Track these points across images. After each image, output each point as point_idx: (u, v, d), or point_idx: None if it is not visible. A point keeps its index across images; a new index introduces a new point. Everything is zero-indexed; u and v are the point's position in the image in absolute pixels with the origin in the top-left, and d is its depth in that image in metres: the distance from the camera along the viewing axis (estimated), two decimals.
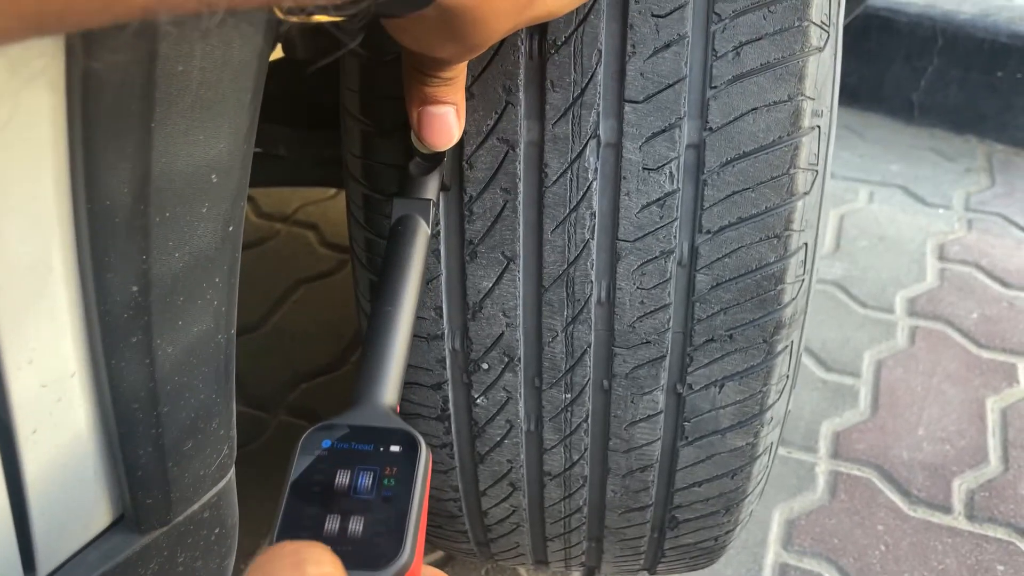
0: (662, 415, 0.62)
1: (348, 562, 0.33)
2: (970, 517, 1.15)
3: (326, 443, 0.38)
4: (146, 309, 0.40)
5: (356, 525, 0.36)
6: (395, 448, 0.38)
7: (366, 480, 0.37)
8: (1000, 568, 1.09)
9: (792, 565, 1.10)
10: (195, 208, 0.40)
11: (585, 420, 0.63)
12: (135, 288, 0.39)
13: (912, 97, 1.95)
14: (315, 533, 0.36)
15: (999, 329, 1.44)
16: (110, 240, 0.38)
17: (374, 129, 0.57)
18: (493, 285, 0.59)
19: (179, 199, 0.39)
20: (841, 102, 2.01)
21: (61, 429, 0.41)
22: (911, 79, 1.95)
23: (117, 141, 0.36)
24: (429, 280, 0.59)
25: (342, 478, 0.37)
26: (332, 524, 0.36)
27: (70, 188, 0.36)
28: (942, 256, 1.61)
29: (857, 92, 2.02)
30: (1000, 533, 1.13)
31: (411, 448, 0.39)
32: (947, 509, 1.16)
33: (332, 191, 1.76)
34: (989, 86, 1.88)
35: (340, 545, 0.34)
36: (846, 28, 1.50)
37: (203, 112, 0.38)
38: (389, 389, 0.43)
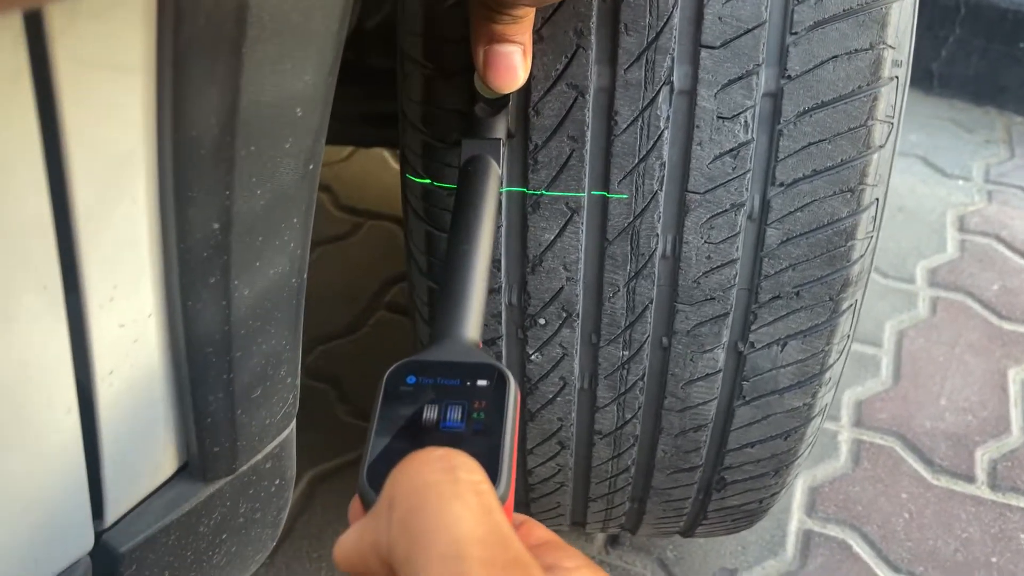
0: (721, 374, 0.61)
1: None
2: (993, 486, 1.15)
3: (411, 379, 0.38)
4: (225, 248, 0.39)
5: None
6: (482, 382, 0.37)
7: (455, 413, 0.36)
8: (1023, 537, 1.09)
9: (816, 531, 1.10)
10: (279, 143, 0.38)
11: (641, 378, 0.62)
12: (216, 225, 0.38)
13: (932, 67, 1.93)
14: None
15: (1020, 300, 1.44)
16: (194, 173, 0.36)
17: (437, 73, 0.55)
18: (555, 238, 0.57)
19: (264, 133, 0.37)
20: None
21: (136, 371, 0.40)
22: (932, 49, 1.92)
23: (208, 67, 0.34)
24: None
25: (430, 412, 0.36)
26: None
27: (157, 116, 0.34)
28: (962, 227, 1.60)
29: None
30: (1023, 502, 1.13)
31: (499, 382, 0.38)
32: (970, 478, 1.16)
33: (346, 152, 1.74)
34: (1011, 57, 1.86)
35: None
36: None
37: (293, 40, 0.36)
38: (471, 325, 0.42)
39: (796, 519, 1.11)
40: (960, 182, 1.72)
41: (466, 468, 0.29)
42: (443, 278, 0.45)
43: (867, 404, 1.27)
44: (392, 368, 0.38)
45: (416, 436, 0.36)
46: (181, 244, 0.38)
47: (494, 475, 0.34)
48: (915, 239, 1.57)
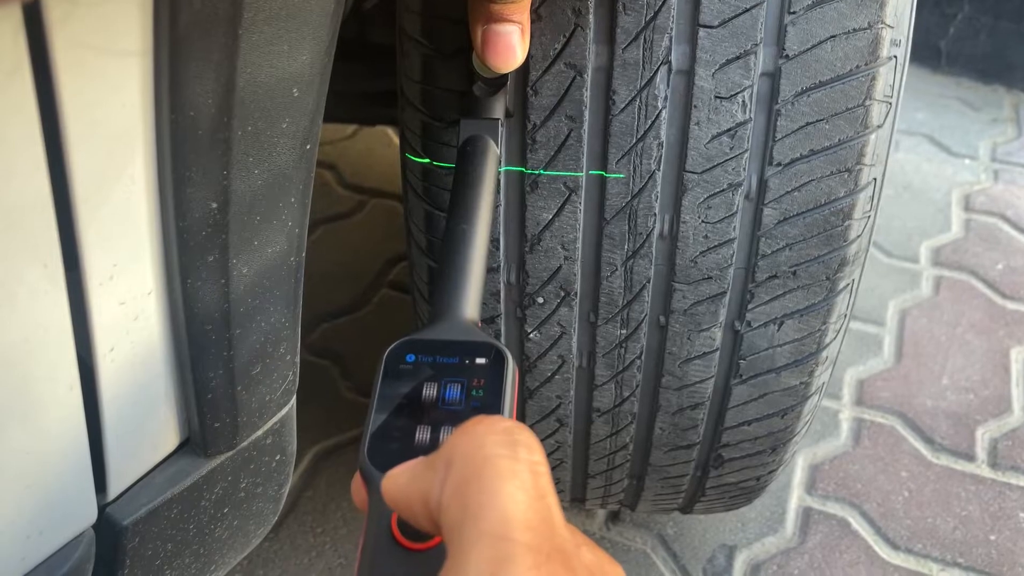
0: (718, 352, 0.61)
1: None
2: (993, 465, 1.16)
3: (410, 357, 0.38)
4: (224, 227, 0.39)
5: (447, 435, 0.35)
6: (481, 360, 0.38)
7: (454, 391, 0.37)
8: (1022, 515, 1.10)
9: (816, 509, 1.11)
10: (276, 123, 0.38)
11: (639, 356, 0.62)
12: (214, 205, 0.38)
13: (940, 45, 1.92)
14: (406, 444, 0.35)
15: None
16: (192, 153, 0.36)
17: (436, 53, 0.55)
18: (553, 217, 0.57)
19: (262, 113, 0.37)
20: None
21: (137, 348, 0.40)
22: (940, 26, 1.91)
23: (204, 47, 0.34)
24: None
25: (429, 390, 0.37)
26: (423, 435, 0.36)
27: (155, 97, 0.35)
28: (967, 207, 1.60)
29: None
30: (1023, 481, 1.14)
31: (497, 360, 0.38)
32: (970, 457, 1.17)
33: (350, 131, 1.74)
34: (1019, 35, 1.84)
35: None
36: None
37: (289, 20, 0.36)
38: (469, 304, 0.43)
39: (796, 496, 1.12)
40: (966, 161, 1.71)
41: (527, 447, 0.29)
42: (441, 257, 0.45)
43: (868, 383, 1.27)
44: (391, 347, 0.39)
45: (416, 414, 0.36)
46: (180, 223, 0.38)
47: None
48: (920, 218, 1.56)
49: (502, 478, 0.28)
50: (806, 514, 1.10)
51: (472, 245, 0.45)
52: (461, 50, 0.54)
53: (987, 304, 1.39)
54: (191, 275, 0.40)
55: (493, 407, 0.37)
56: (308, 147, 0.41)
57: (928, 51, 1.94)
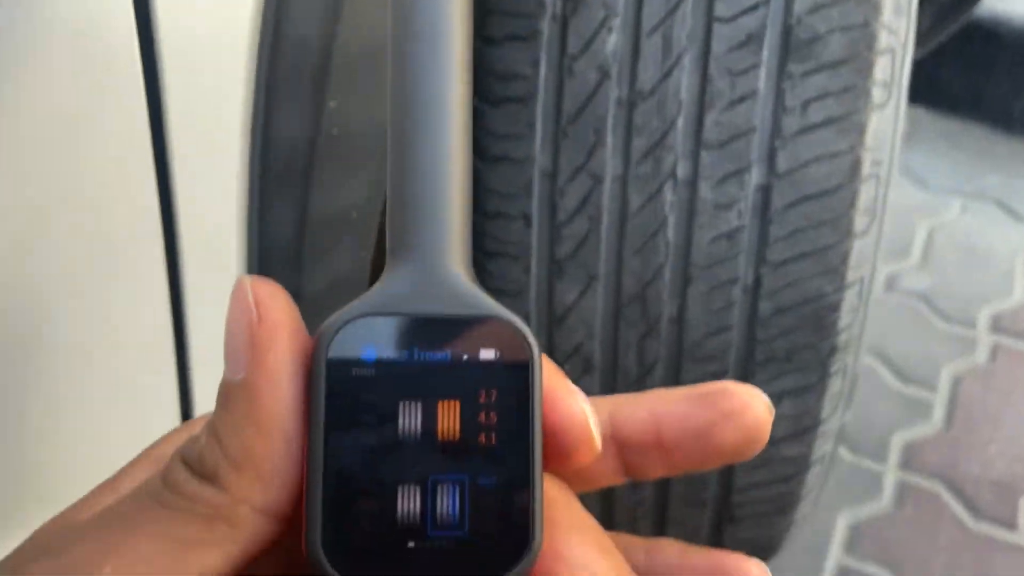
0: None
1: (440, 568, 0.21)
2: None
3: (369, 354, 0.22)
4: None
5: (447, 502, 0.22)
6: (488, 354, 0.22)
7: (448, 421, 0.22)
8: None
9: (853, 569, 1.15)
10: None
11: None
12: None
13: (1013, 108, 1.93)
14: (382, 523, 0.21)
15: None
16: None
17: None
18: (576, 299, 0.67)
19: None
20: (939, 110, 2.00)
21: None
22: (1013, 89, 1.92)
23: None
24: (518, 293, 0.68)
25: (408, 423, 0.22)
26: (408, 505, 0.21)
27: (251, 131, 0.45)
28: None
29: (957, 100, 2.00)
30: None
31: (517, 350, 0.22)
32: (1012, 526, 1.19)
33: None
34: None
35: (429, 541, 0.21)
36: (950, 37, 1.51)
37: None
38: (454, 240, 0.23)
39: (834, 556, 1.16)
40: None
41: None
42: (399, 160, 0.24)
43: (916, 447, 1.30)
44: (334, 333, 0.22)
45: (393, 465, 0.22)
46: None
47: (524, 527, 0.22)
48: (981, 283, 1.58)
49: None
50: (843, 573, 1.14)
51: (445, 137, 0.23)
52: None
53: None
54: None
55: (515, 443, 0.22)
56: None
57: (1001, 113, 1.95)
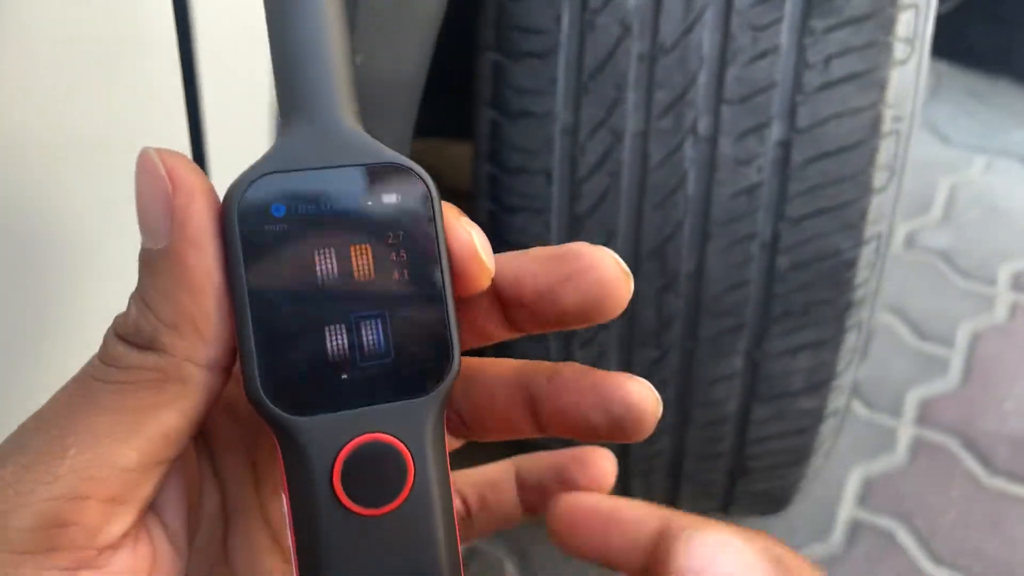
0: (739, 376, 0.70)
1: (374, 393, 0.23)
2: None
3: (279, 209, 0.23)
4: None
5: (371, 335, 0.23)
6: (390, 197, 0.24)
7: (362, 261, 0.23)
8: None
9: (865, 521, 1.17)
10: None
11: (669, 376, 0.72)
12: None
13: None
14: (314, 362, 0.23)
15: None
16: None
17: None
18: None
19: None
20: (968, 66, 1.97)
21: None
22: None
23: None
24: None
25: (325, 265, 0.23)
26: (336, 341, 0.23)
27: None
28: None
29: (985, 56, 1.97)
30: None
31: (415, 191, 0.24)
32: None
33: None
34: None
35: (360, 371, 0.23)
36: None
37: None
38: (341, 94, 0.24)
39: (846, 508, 1.18)
40: None
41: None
42: (276, 25, 0.25)
43: (931, 403, 1.31)
44: (242, 193, 0.23)
45: (314, 307, 0.23)
46: None
47: (445, 346, 0.24)
48: (1003, 241, 1.57)
49: None
50: (855, 525, 1.16)
51: (319, 2, 0.24)
52: None
53: None
54: None
55: (425, 275, 0.24)
56: None
57: None
